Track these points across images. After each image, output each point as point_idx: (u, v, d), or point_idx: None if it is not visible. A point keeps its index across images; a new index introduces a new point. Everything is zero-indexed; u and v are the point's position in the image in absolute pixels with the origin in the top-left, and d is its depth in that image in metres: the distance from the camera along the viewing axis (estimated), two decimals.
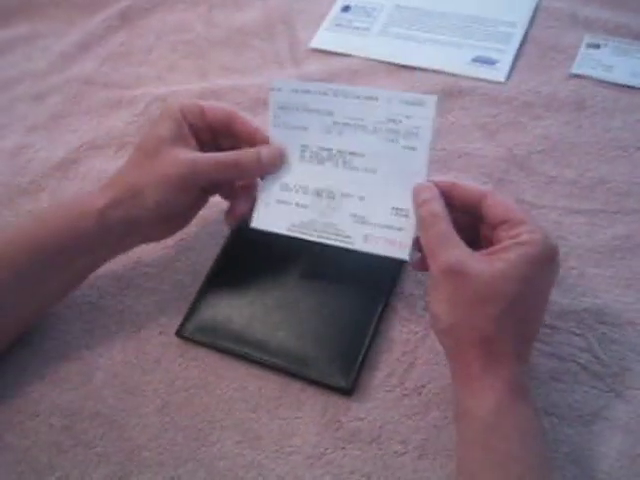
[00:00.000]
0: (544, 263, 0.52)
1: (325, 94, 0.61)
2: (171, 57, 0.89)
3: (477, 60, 0.79)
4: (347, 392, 0.60)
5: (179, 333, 0.65)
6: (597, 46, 0.77)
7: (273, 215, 0.63)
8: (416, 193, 0.57)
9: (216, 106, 0.65)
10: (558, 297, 0.62)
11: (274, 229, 0.63)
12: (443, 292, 0.52)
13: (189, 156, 0.61)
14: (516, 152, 0.71)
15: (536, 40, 0.80)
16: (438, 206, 0.55)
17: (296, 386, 0.61)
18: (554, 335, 0.60)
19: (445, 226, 0.54)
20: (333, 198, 0.61)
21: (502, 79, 0.77)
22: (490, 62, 0.78)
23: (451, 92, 0.77)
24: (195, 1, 0.94)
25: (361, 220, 0.60)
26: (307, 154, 0.62)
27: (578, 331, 0.60)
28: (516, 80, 0.77)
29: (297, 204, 0.62)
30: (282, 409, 0.60)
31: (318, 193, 0.62)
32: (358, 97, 0.60)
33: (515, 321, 0.51)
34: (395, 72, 0.81)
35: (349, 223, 0.60)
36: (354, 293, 0.64)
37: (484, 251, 0.53)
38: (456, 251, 0.52)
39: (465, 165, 0.72)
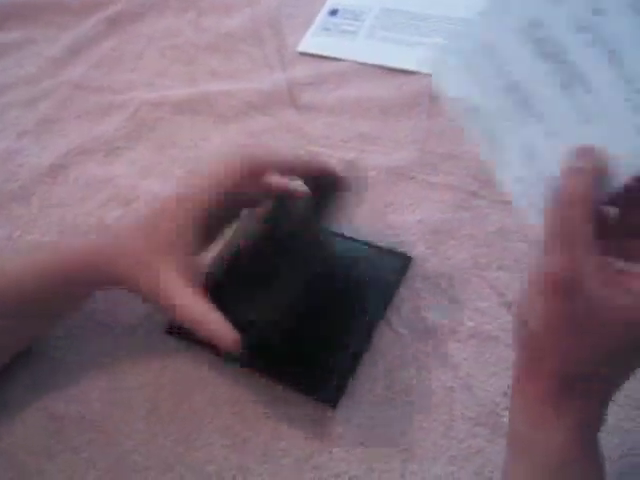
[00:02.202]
0: None
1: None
2: (161, 62, 0.89)
3: None
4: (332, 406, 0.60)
5: (169, 330, 0.65)
6: None
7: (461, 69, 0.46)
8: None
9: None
10: None
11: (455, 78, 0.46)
12: (553, 308, 0.41)
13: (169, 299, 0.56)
14: None
15: None
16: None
17: (283, 390, 0.61)
18: None
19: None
20: None
21: None
22: None
23: (439, 95, 0.77)
24: (184, 7, 0.94)
25: None
26: (536, 34, 0.43)
27: None
28: None
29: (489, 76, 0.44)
30: (269, 413, 0.60)
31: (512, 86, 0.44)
32: None
33: (617, 364, 0.42)
34: (383, 75, 0.81)
35: None
36: (350, 308, 0.64)
37: (629, 267, 0.41)
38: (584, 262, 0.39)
39: (453, 167, 0.72)
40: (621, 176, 0.41)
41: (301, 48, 0.86)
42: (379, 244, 0.67)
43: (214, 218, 0.59)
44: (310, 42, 0.86)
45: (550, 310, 0.41)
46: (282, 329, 0.59)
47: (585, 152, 0.41)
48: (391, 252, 0.67)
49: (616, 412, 0.55)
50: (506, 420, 0.55)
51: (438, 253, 0.66)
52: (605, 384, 0.43)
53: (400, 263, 0.66)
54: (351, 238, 0.68)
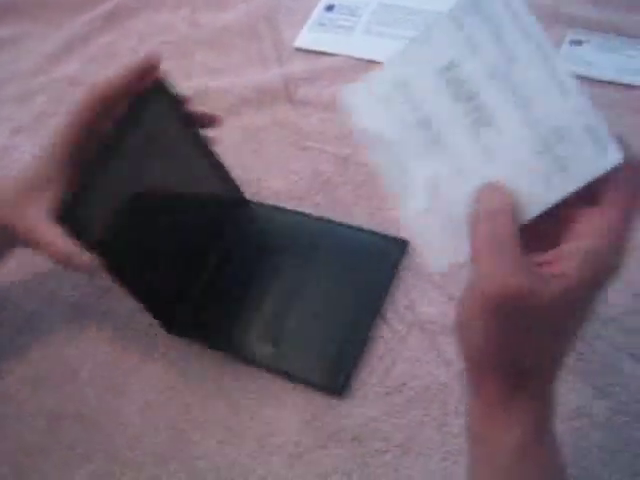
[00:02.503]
0: (600, 282, 0.40)
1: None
2: None
3: None
4: (338, 393, 0.60)
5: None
6: (579, 43, 0.77)
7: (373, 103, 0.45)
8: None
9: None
10: None
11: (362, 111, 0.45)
12: (489, 320, 0.40)
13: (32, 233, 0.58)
14: None
15: None
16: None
17: (277, 386, 0.61)
18: None
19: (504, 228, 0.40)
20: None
21: None
22: None
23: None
24: (178, 3, 0.94)
25: None
26: (450, 73, 0.44)
27: None
28: None
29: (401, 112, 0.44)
30: (263, 409, 0.60)
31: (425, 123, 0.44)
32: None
33: (565, 344, 0.42)
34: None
35: None
36: (349, 296, 0.64)
37: (543, 257, 0.40)
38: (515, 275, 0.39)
39: None
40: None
41: (297, 43, 0.85)
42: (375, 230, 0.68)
43: (78, 153, 0.60)
44: (306, 37, 0.86)
45: (489, 325, 0.40)
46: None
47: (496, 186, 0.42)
48: (387, 237, 0.67)
49: None
50: None
51: None
52: (551, 369, 0.43)
53: (397, 248, 0.66)
54: (347, 225, 0.68)
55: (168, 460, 0.59)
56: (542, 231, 0.42)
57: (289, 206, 0.71)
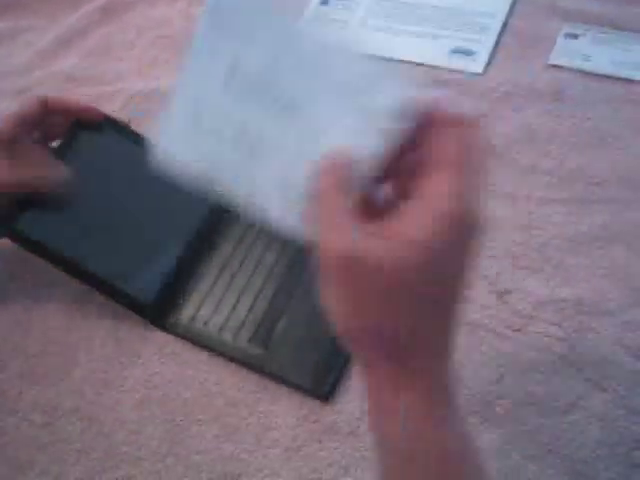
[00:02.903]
0: (459, 229, 0.38)
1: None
2: (151, 52, 0.89)
3: (456, 51, 0.79)
4: (324, 398, 0.60)
5: None
6: (575, 36, 0.77)
7: (181, 144, 0.45)
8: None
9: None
10: (536, 287, 0.62)
11: (180, 158, 0.45)
12: (337, 288, 0.40)
13: None
14: (495, 142, 0.71)
15: (514, 31, 0.80)
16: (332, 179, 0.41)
17: (274, 380, 0.61)
18: (531, 325, 0.60)
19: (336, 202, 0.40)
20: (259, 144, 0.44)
21: (480, 70, 0.77)
22: (468, 53, 0.78)
23: (430, 84, 0.77)
24: None
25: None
26: (236, 78, 0.44)
27: (556, 320, 0.60)
28: (494, 71, 0.77)
29: (214, 138, 0.45)
30: (260, 403, 0.60)
31: (241, 132, 0.44)
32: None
33: (430, 312, 0.40)
34: None
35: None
36: None
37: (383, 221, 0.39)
38: (346, 235, 0.39)
39: None
40: None
41: None
42: None
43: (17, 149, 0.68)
44: None
45: (344, 289, 0.39)
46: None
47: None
48: None
49: None
50: (498, 409, 0.57)
51: None
52: (429, 342, 0.41)
53: None
54: None
55: (165, 455, 0.59)
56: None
57: None
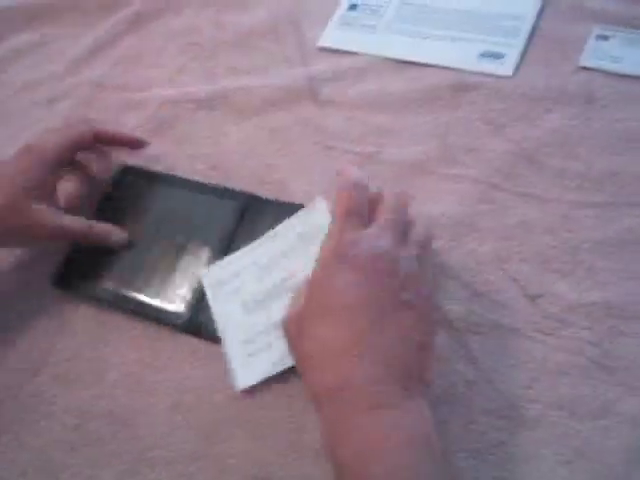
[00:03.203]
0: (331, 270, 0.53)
1: (244, 255, 0.67)
2: (180, 59, 0.89)
3: (484, 55, 0.78)
4: None
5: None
6: (606, 38, 0.76)
7: (254, 367, 0.62)
8: None
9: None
10: (567, 290, 0.62)
11: (263, 377, 0.62)
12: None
13: (56, 222, 0.68)
14: (525, 146, 0.71)
15: (544, 33, 0.79)
16: None
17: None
18: (563, 329, 0.60)
19: None
20: None
21: (510, 73, 0.76)
22: (497, 57, 0.78)
23: (458, 88, 0.77)
24: (202, 4, 0.94)
25: None
26: (250, 305, 0.65)
27: (587, 324, 0.60)
28: (524, 74, 0.77)
29: (267, 346, 0.63)
30: (292, 407, 0.60)
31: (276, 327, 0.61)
32: (269, 238, 0.67)
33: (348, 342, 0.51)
34: (402, 69, 0.80)
35: None
36: None
37: None
38: None
39: (474, 160, 0.71)
40: None
41: (321, 43, 0.85)
42: None
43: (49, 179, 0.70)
44: (330, 37, 0.86)
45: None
46: None
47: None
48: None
49: None
50: (530, 413, 0.56)
51: (459, 246, 0.66)
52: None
53: None
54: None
55: (197, 458, 0.59)
56: None
57: None
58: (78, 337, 0.68)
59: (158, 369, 0.65)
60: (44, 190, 0.68)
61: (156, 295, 0.68)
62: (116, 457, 0.61)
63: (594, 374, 0.58)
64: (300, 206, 0.69)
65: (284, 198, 0.72)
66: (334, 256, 0.53)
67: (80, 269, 0.71)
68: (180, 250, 0.70)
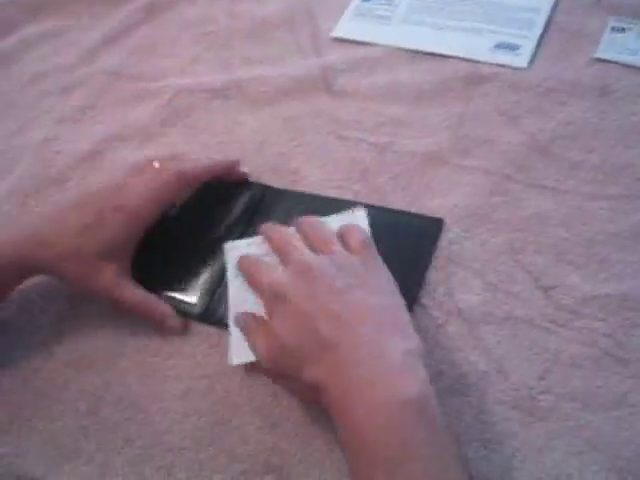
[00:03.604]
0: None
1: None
2: (194, 49, 0.89)
3: (499, 46, 0.78)
4: None
5: None
6: (622, 30, 0.76)
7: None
8: None
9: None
10: (581, 282, 0.62)
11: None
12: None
13: (114, 292, 0.65)
14: (539, 138, 0.71)
15: (559, 25, 0.79)
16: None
17: None
18: (576, 320, 0.60)
19: None
20: None
21: (525, 65, 0.76)
22: (513, 48, 0.78)
23: (473, 79, 0.77)
24: None
25: None
26: None
27: (601, 316, 0.60)
28: (539, 66, 0.76)
29: None
30: None
31: None
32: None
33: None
34: (417, 60, 0.80)
35: None
36: None
37: None
38: None
39: (488, 152, 0.71)
40: None
41: (335, 33, 0.85)
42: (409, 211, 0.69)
43: (147, 226, 0.67)
44: (344, 27, 0.86)
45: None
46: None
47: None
48: (421, 217, 0.68)
49: None
50: (542, 404, 0.56)
51: (473, 237, 0.66)
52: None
53: (433, 227, 0.67)
54: (380, 207, 0.69)
55: (208, 445, 0.59)
56: None
57: (328, 194, 0.71)
58: (91, 323, 0.68)
59: (170, 355, 0.65)
60: (118, 251, 0.65)
61: (171, 283, 0.68)
62: (128, 443, 0.61)
63: (607, 366, 0.57)
64: (315, 196, 0.70)
65: (297, 187, 0.72)
66: (269, 300, 0.56)
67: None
68: (196, 239, 0.70)
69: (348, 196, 0.71)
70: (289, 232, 0.61)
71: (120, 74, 0.90)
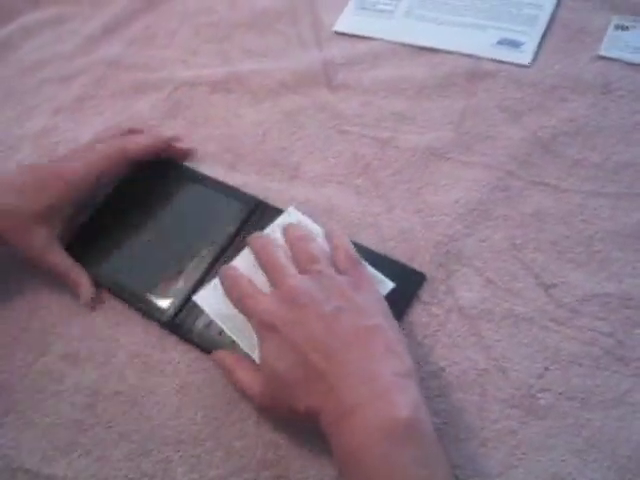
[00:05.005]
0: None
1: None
2: (195, 40, 0.89)
3: (502, 42, 0.78)
4: None
5: None
6: (625, 28, 0.76)
7: (216, 298, 0.62)
8: None
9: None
10: (582, 281, 0.61)
11: (206, 310, 0.62)
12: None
13: (41, 253, 0.67)
14: (541, 135, 0.71)
15: (563, 22, 0.79)
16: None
17: None
18: (577, 319, 0.60)
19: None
20: None
21: (527, 62, 0.76)
22: (515, 44, 0.77)
23: (475, 75, 0.76)
24: None
25: None
26: None
27: (602, 315, 0.59)
28: (542, 63, 0.76)
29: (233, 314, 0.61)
30: None
31: None
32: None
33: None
34: (418, 55, 0.80)
35: None
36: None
37: None
38: None
39: (489, 148, 0.71)
40: None
41: (337, 27, 0.85)
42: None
43: (85, 197, 0.71)
44: (346, 21, 0.85)
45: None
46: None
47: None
48: (404, 267, 0.65)
49: None
50: (541, 402, 0.56)
51: (474, 233, 0.66)
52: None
53: (413, 280, 0.64)
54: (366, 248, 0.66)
55: (205, 439, 0.59)
56: None
57: (329, 189, 0.71)
58: (87, 317, 0.68)
59: (167, 350, 0.64)
60: (53, 216, 0.68)
61: (146, 287, 0.67)
62: (125, 437, 0.60)
63: (607, 364, 0.57)
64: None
65: (297, 181, 0.72)
66: (259, 328, 0.56)
67: (90, 242, 0.71)
68: (179, 245, 0.69)
69: (349, 191, 0.71)
70: (275, 248, 0.61)
71: (120, 64, 0.89)
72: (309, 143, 0.75)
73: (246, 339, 0.58)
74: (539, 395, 0.57)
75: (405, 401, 0.49)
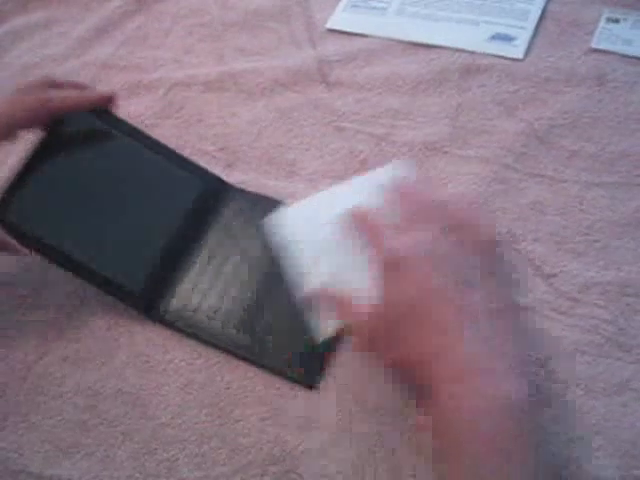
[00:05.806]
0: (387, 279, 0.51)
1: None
2: (188, 40, 0.89)
3: (495, 37, 0.78)
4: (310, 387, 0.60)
5: None
6: (617, 20, 0.76)
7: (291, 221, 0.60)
8: None
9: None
10: (581, 270, 0.62)
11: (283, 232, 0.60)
12: None
13: None
14: (537, 127, 0.71)
15: (555, 16, 0.79)
16: None
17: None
18: (577, 307, 0.60)
19: None
20: None
21: (520, 56, 0.76)
22: (508, 39, 0.78)
23: (469, 70, 0.77)
24: None
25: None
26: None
27: (602, 303, 0.60)
28: (535, 56, 0.76)
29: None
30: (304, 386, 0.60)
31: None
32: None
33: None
34: (412, 51, 0.80)
35: None
36: None
37: None
38: None
39: (486, 141, 0.71)
40: None
41: (330, 25, 0.85)
42: None
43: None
44: (339, 19, 0.85)
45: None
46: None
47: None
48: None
49: None
50: (545, 391, 0.56)
51: None
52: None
53: None
54: None
55: (210, 437, 0.59)
56: None
57: (327, 185, 0.71)
58: (87, 317, 0.67)
59: (168, 349, 0.64)
60: None
61: (108, 266, 0.66)
62: (128, 437, 0.60)
63: (609, 352, 0.58)
64: (273, 201, 0.68)
65: (295, 178, 0.72)
66: (385, 269, 0.52)
67: (22, 203, 0.66)
68: (136, 217, 0.67)
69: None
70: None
71: (112, 65, 0.89)
72: (305, 140, 0.75)
73: (315, 272, 0.56)
74: (543, 384, 0.57)
75: (524, 389, 0.46)
